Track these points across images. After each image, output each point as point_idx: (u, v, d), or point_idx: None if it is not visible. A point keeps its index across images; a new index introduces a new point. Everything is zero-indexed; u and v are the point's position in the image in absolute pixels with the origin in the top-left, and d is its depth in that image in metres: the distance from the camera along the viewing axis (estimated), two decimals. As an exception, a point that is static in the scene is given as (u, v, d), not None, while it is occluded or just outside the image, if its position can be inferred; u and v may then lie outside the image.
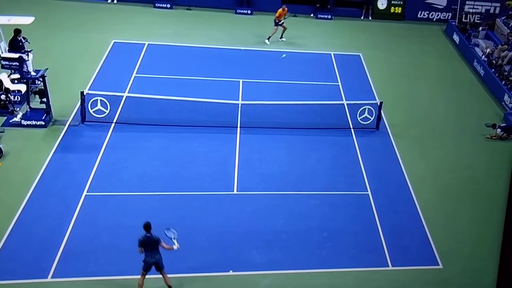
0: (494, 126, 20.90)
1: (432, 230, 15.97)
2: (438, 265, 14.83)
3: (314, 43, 27.83)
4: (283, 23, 27.22)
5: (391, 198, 17.24)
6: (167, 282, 13.09)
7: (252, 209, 16.35)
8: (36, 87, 19.87)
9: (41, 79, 19.29)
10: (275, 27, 27.19)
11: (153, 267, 12.98)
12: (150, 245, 12.77)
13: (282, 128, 20.09)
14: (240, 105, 20.45)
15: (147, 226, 12.79)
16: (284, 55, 25.43)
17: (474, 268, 14.72)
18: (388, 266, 14.65)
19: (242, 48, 26.41)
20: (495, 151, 19.98)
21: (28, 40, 20.17)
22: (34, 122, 19.04)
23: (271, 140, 19.55)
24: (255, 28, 29.08)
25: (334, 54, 26.67)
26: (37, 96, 19.47)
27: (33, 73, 19.36)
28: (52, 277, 13.51)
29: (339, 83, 23.95)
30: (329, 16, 31.34)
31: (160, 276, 13.07)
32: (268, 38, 27.29)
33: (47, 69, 19.59)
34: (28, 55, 19.53)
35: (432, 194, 17.62)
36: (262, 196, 16.89)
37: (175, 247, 12.84)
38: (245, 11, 30.95)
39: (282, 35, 27.55)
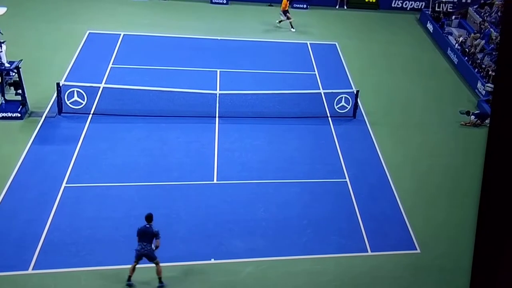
0: (468, 113, 21.28)
1: (410, 216, 16.27)
2: (416, 249, 15.14)
3: (291, 33, 27.91)
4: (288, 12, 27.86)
5: (369, 185, 17.49)
6: (158, 274, 13.17)
7: (233, 198, 16.45)
8: (11, 78, 19.59)
9: (15, 71, 19.06)
10: (287, 15, 27.78)
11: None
12: (144, 235, 12.87)
13: (260, 117, 20.18)
14: (218, 95, 20.47)
15: (149, 217, 12.95)
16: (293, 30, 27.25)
17: (451, 252, 15.05)
18: (368, 252, 14.92)
19: (219, 38, 26.36)
20: (469, 138, 20.35)
21: (0, 31, 19.86)
22: (9, 114, 18.83)
23: (249, 130, 19.64)
24: (231, 18, 29.04)
25: (310, 43, 26.80)
26: (12, 88, 19.24)
27: (7, 65, 19.08)
28: (33, 269, 13.50)
29: (316, 72, 24.10)
30: (305, 6, 31.43)
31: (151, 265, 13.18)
32: (292, 27, 27.98)
33: (21, 60, 19.36)
34: (1, 46, 19.22)
35: (409, 180, 17.92)
36: (242, 185, 17.00)
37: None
38: (221, 1, 30.83)
39: (281, 21, 28.00)
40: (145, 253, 12.96)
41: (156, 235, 12.89)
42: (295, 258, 14.56)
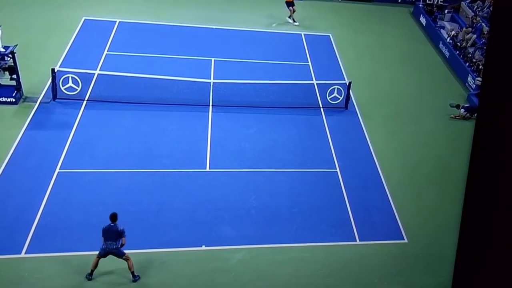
0: (458, 106, 21.57)
1: (398, 206, 16.56)
2: (404, 239, 15.45)
3: (285, 24, 28.01)
4: (294, 4, 27.66)
5: (359, 176, 17.76)
6: (130, 269, 13.29)
7: (224, 186, 16.66)
8: (6, 63, 19.64)
9: (10, 56, 19.11)
10: (290, 8, 27.62)
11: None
12: (109, 234, 12.95)
13: (253, 107, 20.36)
14: (212, 84, 20.62)
15: (113, 217, 12.98)
16: (274, 24, 25.54)
17: (438, 242, 15.36)
18: (356, 241, 15.21)
19: (214, 27, 26.46)
20: (458, 131, 20.62)
21: (-4, 16, 19.91)
22: (4, 99, 18.91)
23: (242, 119, 19.83)
24: (227, 7, 29.08)
25: (304, 34, 26.95)
26: (6, 72, 19.31)
27: (2, 50, 19.16)
28: (25, 253, 13.67)
29: (309, 63, 24.28)
30: (300, -3, 31.46)
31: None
32: (290, 17, 27.82)
33: (16, 45, 19.43)
34: (-4, 31, 19.30)
35: (398, 171, 18.19)
36: (234, 173, 17.21)
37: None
38: (216, -10, 30.77)
39: (292, 17, 27.93)
40: (111, 252, 13.02)
41: (121, 233, 12.94)
42: (284, 246, 14.82)
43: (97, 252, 13.45)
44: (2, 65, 19.49)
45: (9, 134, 17.58)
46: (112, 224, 12.96)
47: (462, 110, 21.44)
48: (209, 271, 13.87)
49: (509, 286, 3.57)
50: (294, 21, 27.86)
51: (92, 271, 13.20)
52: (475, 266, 3.59)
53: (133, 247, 14.06)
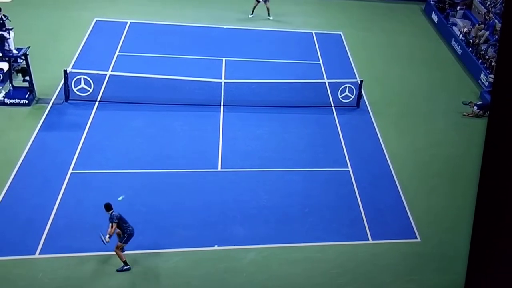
0: (470, 103, 21.40)
1: (411, 204, 16.46)
2: (416, 238, 15.36)
3: (296, 22, 27.99)
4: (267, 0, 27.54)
5: (372, 175, 17.67)
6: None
7: (236, 185, 16.67)
8: (19, 65, 19.85)
9: (23, 57, 19.28)
10: (265, 2, 27.55)
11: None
12: (123, 218, 13.38)
13: (264, 106, 20.34)
14: (223, 84, 20.64)
15: (110, 206, 13.37)
16: (121, 198, 15.86)
17: (451, 241, 15.25)
18: (368, 240, 15.14)
19: (225, 27, 26.48)
20: (471, 128, 20.47)
21: (8, 18, 20.06)
22: (17, 101, 19.05)
23: (254, 118, 19.82)
24: (238, 7, 29.08)
25: (315, 33, 26.88)
26: (19, 74, 19.49)
27: (15, 51, 19.33)
28: (39, 254, 13.75)
29: (321, 62, 24.22)
30: (310, -5, 31.42)
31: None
32: (269, 14, 27.76)
33: (29, 47, 19.58)
34: (9, 33, 19.44)
35: (411, 170, 18.09)
36: (245, 173, 17.21)
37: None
38: (227, -11, 30.81)
39: (268, 13, 27.85)
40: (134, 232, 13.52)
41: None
42: (296, 245, 14.79)
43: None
44: (15, 67, 19.67)
45: (22, 135, 17.72)
46: (115, 212, 13.30)
47: (475, 107, 21.28)
48: (220, 271, 13.88)
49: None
50: (268, 14, 27.82)
51: (126, 261, 13.50)
52: (489, 264, 3.58)
53: (145, 247, 14.16)
